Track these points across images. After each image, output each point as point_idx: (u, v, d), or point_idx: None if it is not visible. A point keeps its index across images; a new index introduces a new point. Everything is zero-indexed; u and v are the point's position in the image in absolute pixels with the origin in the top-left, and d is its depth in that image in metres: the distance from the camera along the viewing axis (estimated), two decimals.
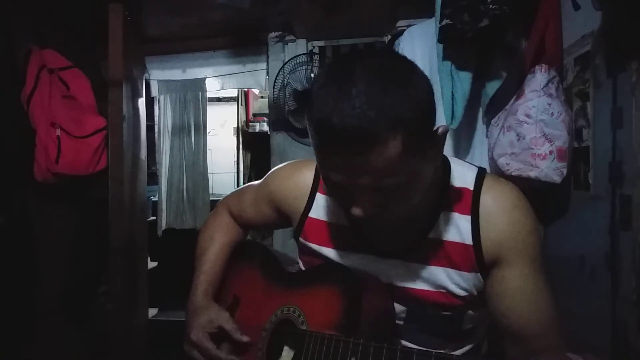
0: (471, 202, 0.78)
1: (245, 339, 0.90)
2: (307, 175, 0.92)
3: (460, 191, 0.79)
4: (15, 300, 2.07)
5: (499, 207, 0.77)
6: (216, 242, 1.03)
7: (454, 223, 0.79)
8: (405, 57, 0.70)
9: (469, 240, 0.77)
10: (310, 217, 0.90)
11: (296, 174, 0.94)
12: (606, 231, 1.13)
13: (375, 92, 0.61)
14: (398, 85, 0.62)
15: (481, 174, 0.81)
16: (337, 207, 0.87)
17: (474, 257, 0.77)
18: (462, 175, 0.81)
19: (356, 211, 0.68)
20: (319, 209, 0.90)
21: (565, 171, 1.27)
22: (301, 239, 0.92)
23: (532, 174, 1.29)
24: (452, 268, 0.79)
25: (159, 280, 2.96)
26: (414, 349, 0.68)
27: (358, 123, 0.60)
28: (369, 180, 0.64)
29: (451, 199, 0.79)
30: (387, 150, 0.61)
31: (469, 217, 0.78)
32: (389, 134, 0.61)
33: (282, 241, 2.55)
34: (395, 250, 0.82)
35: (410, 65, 0.68)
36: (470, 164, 0.85)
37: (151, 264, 3.01)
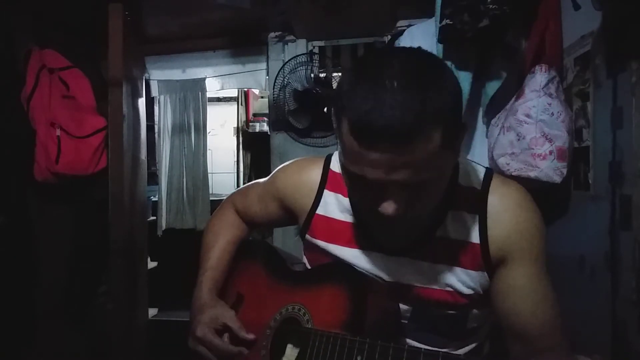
0: (479, 201, 0.79)
1: (250, 336, 0.89)
2: (314, 172, 0.92)
3: (468, 190, 0.80)
4: (15, 301, 2.07)
5: (506, 207, 0.77)
6: (221, 239, 1.03)
7: (461, 222, 0.79)
8: (431, 53, 0.70)
9: (476, 239, 0.78)
10: (318, 214, 0.90)
11: (303, 171, 0.94)
12: (606, 231, 1.14)
13: (416, 86, 0.61)
14: (434, 79, 0.63)
15: (489, 174, 0.82)
16: (344, 204, 0.88)
17: (481, 256, 0.78)
18: (470, 175, 0.81)
19: (389, 209, 0.66)
20: (327, 206, 0.90)
21: (565, 171, 1.28)
22: (308, 236, 0.93)
23: (532, 174, 1.29)
24: (459, 266, 0.79)
25: (159, 280, 2.96)
26: (421, 348, 0.68)
27: (403, 118, 0.59)
28: (407, 175, 0.63)
29: (459, 197, 0.80)
30: (429, 144, 0.61)
31: (476, 216, 0.78)
32: (431, 127, 0.61)
33: (282, 240, 2.55)
34: (402, 248, 0.82)
35: (439, 60, 0.69)
36: (477, 164, 0.86)
37: (151, 264, 3.01)
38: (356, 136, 0.63)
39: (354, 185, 0.72)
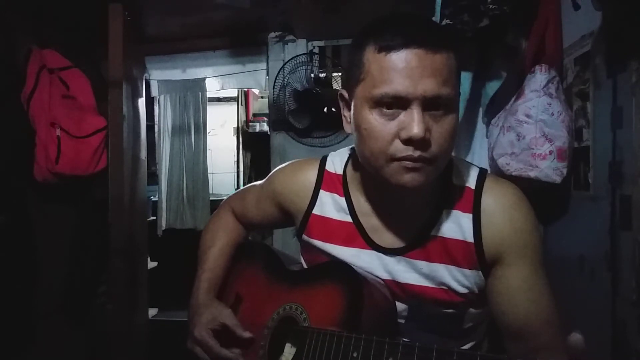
0: (473, 200, 0.79)
1: (247, 334, 0.90)
2: (310, 173, 0.94)
3: (462, 189, 0.80)
4: (15, 300, 2.07)
5: (500, 206, 0.78)
6: (219, 241, 1.04)
7: (455, 221, 0.79)
8: None
9: (470, 238, 0.78)
10: (314, 214, 0.91)
11: (299, 173, 0.95)
12: (606, 231, 1.13)
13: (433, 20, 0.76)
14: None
15: (482, 173, 0.82)
16: (340, 204, 0.88)
17: (475, 255, 0.78)
18: (464, 174, 0.82)
19: (415, 128, 0.67)
20: (323, 206, 0.90)
21: (565, 171, 1.27)
22: (304, 236, 0.93)
23: (532, 174, 1.29)
24: (454, 265, 0.79)
25: (159, 280, 2.96)
26: (415, 342, 0.68)
27: (433, 26, 0.76)
28: (432, 85, 0.68)
29: (453, 196, 0.80)
30: (448, 59, 0.70)
31: (470, 215, 0.78)
32: (450, 46, 0.71)
33: (282, 241, 2.55)
34: (397, 246, 0.83)
35: None
36: (472, 164, 0.86)
37: (151, 264, 3.01)
38: (386, 45, 0.69)
39: (375, 124, 0.72)
